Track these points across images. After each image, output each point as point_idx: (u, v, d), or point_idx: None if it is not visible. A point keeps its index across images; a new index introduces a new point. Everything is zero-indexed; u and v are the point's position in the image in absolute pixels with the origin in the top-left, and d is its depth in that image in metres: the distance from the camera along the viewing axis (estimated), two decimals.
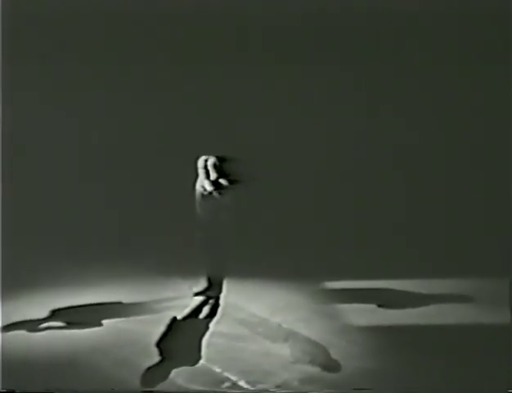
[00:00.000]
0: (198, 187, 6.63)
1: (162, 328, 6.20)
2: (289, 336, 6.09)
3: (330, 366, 5.62)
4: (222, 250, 6.63)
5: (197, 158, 6.63)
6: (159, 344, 5.97)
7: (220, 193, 6.55)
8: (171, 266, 7.05)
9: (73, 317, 6.38)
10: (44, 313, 6.41)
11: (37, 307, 6.52)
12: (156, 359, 5.71)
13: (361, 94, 6.48)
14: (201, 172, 6.65)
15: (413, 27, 5.96)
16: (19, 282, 6.79)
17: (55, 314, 6.44)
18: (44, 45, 6.08)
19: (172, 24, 6.16)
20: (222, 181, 6.58)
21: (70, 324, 6.27)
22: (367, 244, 7.09)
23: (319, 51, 6.34)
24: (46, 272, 6.94)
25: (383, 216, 7.12)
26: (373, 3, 5.89)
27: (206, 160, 6.65)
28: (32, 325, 6.19)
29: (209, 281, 6.71)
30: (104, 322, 6.32)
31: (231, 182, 6.57)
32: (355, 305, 6.54)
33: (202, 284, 6.70)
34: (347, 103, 6.52)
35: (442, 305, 6.51)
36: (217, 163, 6.63)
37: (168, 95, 6.53)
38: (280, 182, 7.01)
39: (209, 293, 6.70)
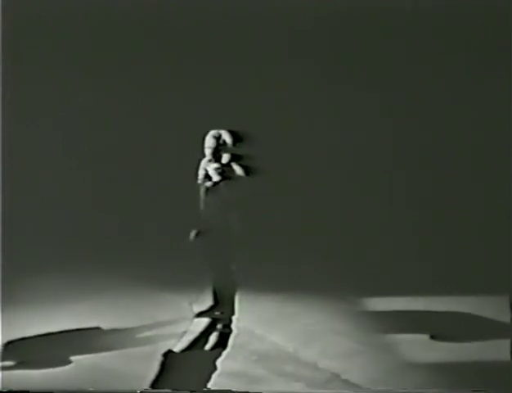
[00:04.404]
0: (202, 172, 5.39)
1: (155, 366, 4.69)
2: (330, 377, 4.55)
3: None
4: (232, 258, 5.31)
5: (204, 136, 5.37)
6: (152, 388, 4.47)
7: (228, 182, 5.35)
8: (165, 278, 5.44)
9: (28, 352, 4.79)
10: None
11: None
12: None
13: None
14: (208, 153, 5.36)
15: (413, 27, 5.69)
16: None
17: (7, 348, 4.84)
18: (44, 45, 5.88)
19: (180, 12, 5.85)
20: (235, 167, 5.32)
21: (23, 364, 4.69)
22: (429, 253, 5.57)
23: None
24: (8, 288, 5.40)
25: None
26: (374, 3, 5.71)
27: (216, 138, 5.35)
28: None
29: (216, 297, 5.29)
30: (73, 358, 4.74)
31: (246, 169, 5.31)
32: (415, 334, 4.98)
33: (207, 302, 5.26)
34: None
35: None
36: (231, 140, 5.34)
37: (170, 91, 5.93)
38: (307, 174, 5.56)
39: (217, 314, 5.25)
